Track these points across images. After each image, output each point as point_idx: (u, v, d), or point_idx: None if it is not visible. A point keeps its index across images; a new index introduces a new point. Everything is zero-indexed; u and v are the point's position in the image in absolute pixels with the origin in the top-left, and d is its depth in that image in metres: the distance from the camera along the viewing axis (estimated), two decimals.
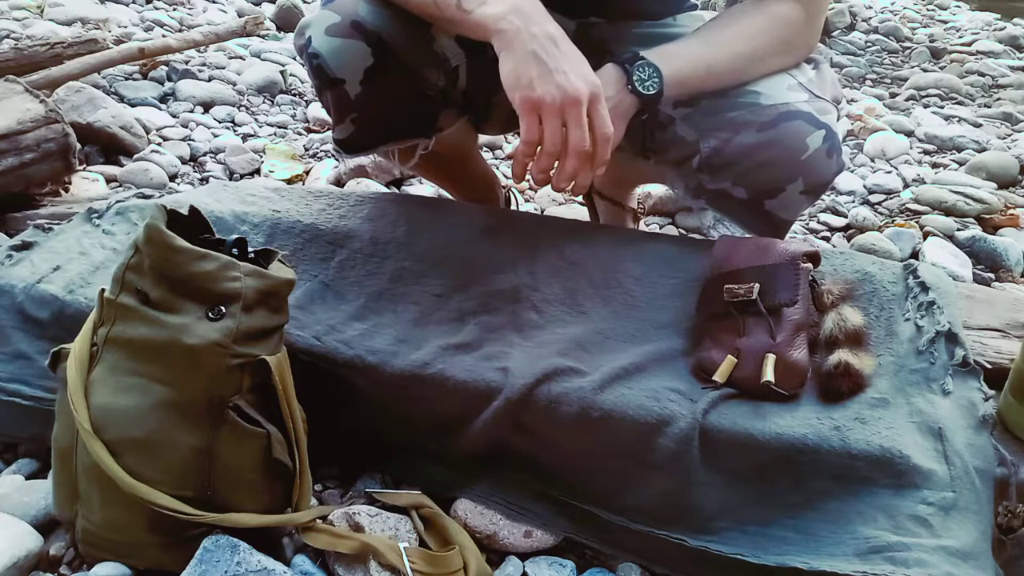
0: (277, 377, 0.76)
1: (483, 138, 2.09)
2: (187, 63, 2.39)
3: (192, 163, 1.85)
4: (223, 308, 0.73)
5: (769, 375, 0.82)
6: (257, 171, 1.83)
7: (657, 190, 1.73)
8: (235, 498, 0.75)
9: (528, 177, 0.94)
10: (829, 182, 1.03)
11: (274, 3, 3.23)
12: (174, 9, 3.03)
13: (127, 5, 2.93)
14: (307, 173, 1.84)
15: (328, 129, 2.12)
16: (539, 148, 0.90)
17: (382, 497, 0.86)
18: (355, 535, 0.78)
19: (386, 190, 1.72)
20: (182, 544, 0.74)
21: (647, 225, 1.70)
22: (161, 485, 0.72)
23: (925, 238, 1.67)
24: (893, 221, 1.77)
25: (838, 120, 1.02)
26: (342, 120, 1.06)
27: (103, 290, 0.76)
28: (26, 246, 1.06)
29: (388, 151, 1.14)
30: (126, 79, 2.21)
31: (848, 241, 1.69)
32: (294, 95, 2.34)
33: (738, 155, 0.99)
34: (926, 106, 2.72)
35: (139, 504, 0.71)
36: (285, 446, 0.77)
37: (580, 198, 1.74)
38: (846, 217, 1.80)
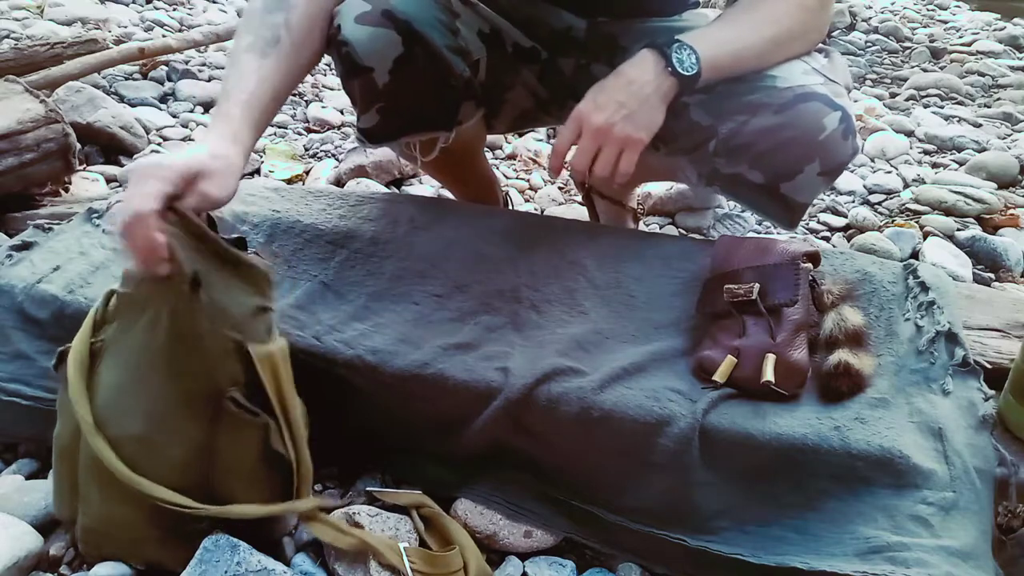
0: (266, 366, 0.75)
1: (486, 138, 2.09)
2: (187, 63, 2.39)
3: None
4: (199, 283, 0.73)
5: (769, 375, 0.82)
6: (257, 171, 1.83)
7: (657, 190, 1.73)
8: (235, 490, 0.75)
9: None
10: (845, 164, 1.03)
11: None
12: (174, 9, 3.03)
13: (127, 5, 2.92)
14: (307, 173, 1.84)
15: (328, 129, 2.12)
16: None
17: (383, 496, 0.86)
18: (356, 531, 0.78)
19: (386, 190, 1.72)
20: (182, 540, 0.74)
21: (647, 225, 1.70)
22: (162, 481, 0.72)
23: (925, 238, 1.67)
24: (893, 221, 1.77)
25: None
26: (367, 109, 1.06)
27: (112, 290, 0.77)
28: (26, 246, 1.06)
29: (410, 143, 1.14)
30: (126, 79, 2.21)
31: (848, 241, 1.69)
32: (294, 95, 2.34)
33: (756, 137, 0.99)
34: (926, 106, 2.72)
35: (140, 500, 0.71)
36: (284, 438, 0.77)
37: (580, 198, 1.74)
38: (846, 217, 1.79)
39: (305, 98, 2.34)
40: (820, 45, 1.07)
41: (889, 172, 2.05)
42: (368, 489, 0.88)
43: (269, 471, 0.77)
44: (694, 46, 0.95)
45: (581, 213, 1.66)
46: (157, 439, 0.73)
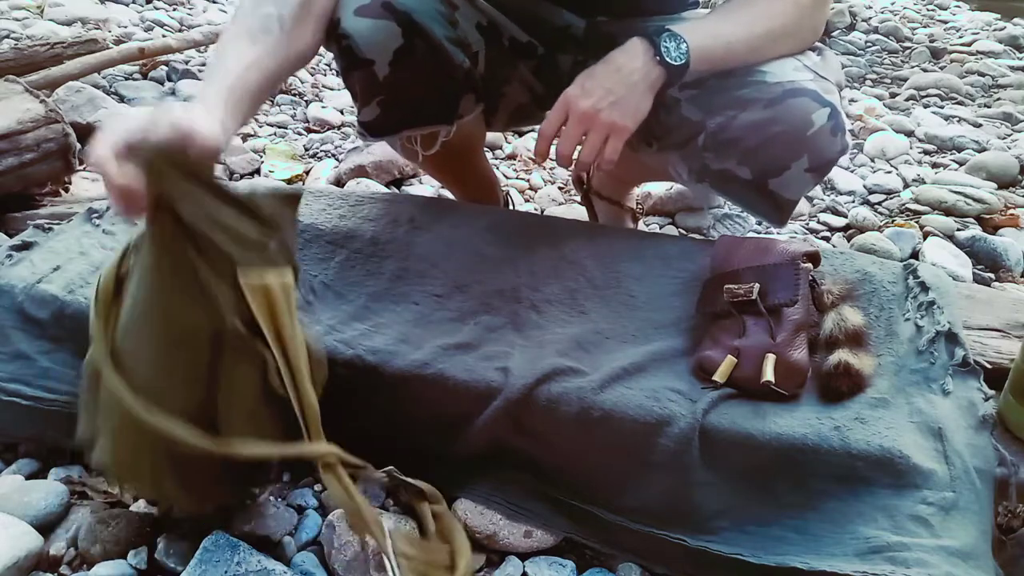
0: (259, 297, 0.71)
1: (486, 138, 2.09)
2: (187, 63, 2.39)
3: None
4: None
5: (769, 375, 0.82)
6: (257, 171, 1.83)
7: (657, 190, 1.73)
8: (240, 432, 0.72)
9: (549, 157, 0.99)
10: (834, 160, 1.03)
11: None
12: (174, 9, 3.03)
13: (127, 5, 2.92)
14: (307, 173, 1.84)
15: (328, 129, 2.12)
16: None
17: (401, 480, 0.84)
18: (360, 498, 0.75)
19: (386, 190, 1.72)
20: (198, 485, 0.73)
21: (647, 225, 1.70)
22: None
23: (925, 238, 1.67)
24: (893, 221, 1.77)
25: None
26: (368, 102, 1.06)
27: None
28: (26, 246, 1.06)
29: (411, 136, 1.14)
30: (126, 79, 2.21)
31: (848, 241, 1.69)
32: (294, 95, 2.34)
33: (744, 131, 1.00)
34: (926, 106, 2.71)
35: (157, 440, 0.69)
36: (281, 375, 0.73)
37: (579, 198, 1.75)
38: (846, 217, 1.79)
39: (305, 98, 2.34)
40: (815, 43, 1.07)
41: (889, 172, 2.05)
42: (388, 469, 0.85)
43: (270, 412, 0.73)
44: (684, 36, 0.95)
45: (581, 213, 1.66)
46: (160, 381, 0.71)
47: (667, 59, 0.94)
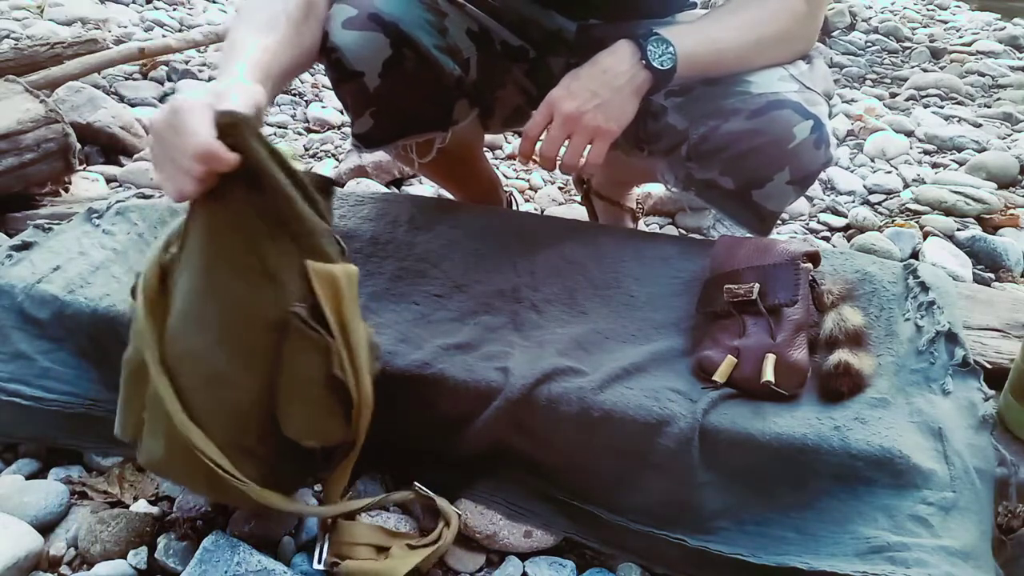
0: (326, 285, 0.72)
1: (486, 138, 2.09)
2: (187, 63, 2.39)
3: None
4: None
5: (769, 375, 0.82)
6: None
7: (657, 190, 1.73)
8: (298, 420, 0.72)
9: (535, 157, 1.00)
10: (816, 173, 1.03)
11: None
12: (174, 9, 3.03)
13: (127, 5, 2.93)
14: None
15: (328, 129, 2.12)
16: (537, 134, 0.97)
17: (424, 497, 0.84)
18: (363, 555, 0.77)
19: (386, 190, 1.72)
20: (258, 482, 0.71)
21: (647, 225, 1.70)
22: (225, 408, 0.70)
23: (925, 238, 1.67)
24: (893, 221, 1.77)
25: (830, 115, 1.02)
26: (361, 114, 1.06)
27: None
28: (26, 246, 1.06)
29: (406, 145, 1.13)
30: (126, 79, 2.21)
31: (848, 241, 1.69)
32: (294, 95, 2.34)
33: (726, 142, 0.99)
34: (926, 106, 2.71)
35: (211, 435, 0.69)
36: (344, 363, 0.73)
37: (579, 198, 1.75)
38: (846, 217, 1.79)
39: (305, 98, 2.34)
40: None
41: (889, 172, 2.05)
42: (417, 484, 0.85)
43: (332, 398, 0.73)
44: (672, 40, 0.95)
45: (581, 213, 1.66)
46: (221, 368, 0.70)
47: (653, 63, 0.94)
